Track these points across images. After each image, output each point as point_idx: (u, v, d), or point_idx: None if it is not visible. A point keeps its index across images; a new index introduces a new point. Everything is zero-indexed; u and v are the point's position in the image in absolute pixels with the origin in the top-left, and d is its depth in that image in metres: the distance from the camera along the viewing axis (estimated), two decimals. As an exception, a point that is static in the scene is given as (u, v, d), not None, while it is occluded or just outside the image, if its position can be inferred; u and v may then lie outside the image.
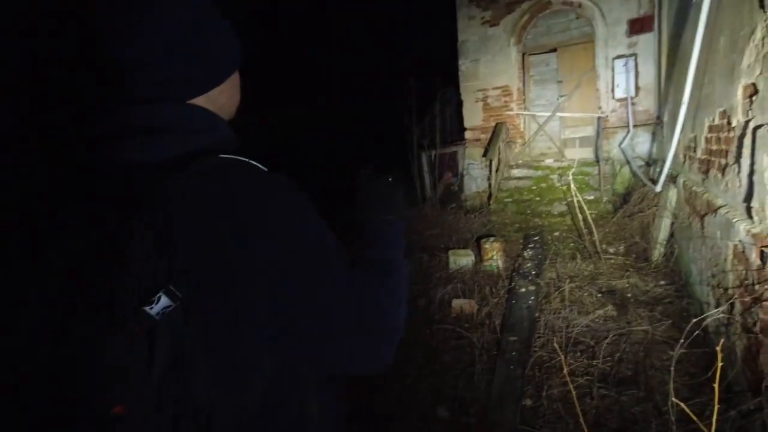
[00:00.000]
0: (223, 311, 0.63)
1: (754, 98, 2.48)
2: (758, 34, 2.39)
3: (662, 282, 4.50)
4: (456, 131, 10.01)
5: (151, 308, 0.58)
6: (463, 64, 8.95)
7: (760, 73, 2.37)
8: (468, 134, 9.09)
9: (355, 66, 13.02)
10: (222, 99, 0.82)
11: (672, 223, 4.89)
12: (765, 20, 2.28)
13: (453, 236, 6.62)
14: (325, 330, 0.68)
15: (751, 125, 2.49)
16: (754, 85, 2.48)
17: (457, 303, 4.28)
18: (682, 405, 1.59)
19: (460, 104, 9.23)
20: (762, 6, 2.25)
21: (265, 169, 0.73)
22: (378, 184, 1.02)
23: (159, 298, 0.58)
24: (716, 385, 1.58)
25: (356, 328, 0.71)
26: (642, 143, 7.55)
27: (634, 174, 7.24)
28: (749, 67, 2.56)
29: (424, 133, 9.52)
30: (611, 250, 5.55)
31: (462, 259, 5.34)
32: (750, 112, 2.54)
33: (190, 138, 0.73)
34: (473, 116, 9.00)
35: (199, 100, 0.77)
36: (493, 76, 8.73)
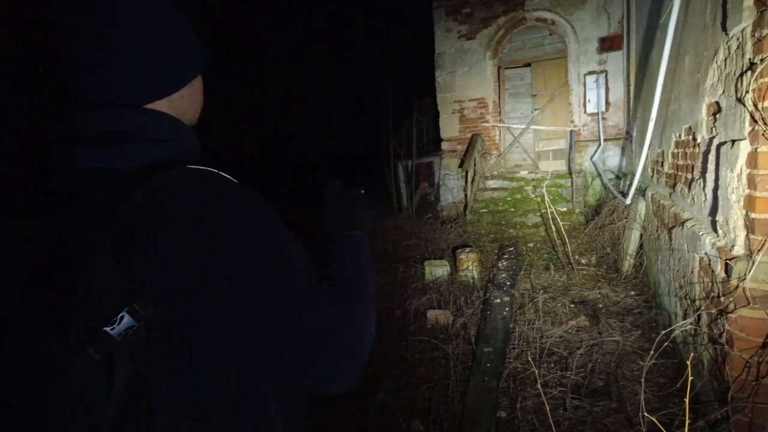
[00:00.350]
0: (188, 332, 0.60)
1: (717, 116, 2.57)
2: (720, 56, 2.49)
3: (632, 292, 4.60)
4: (432, 142, 10.11)
5: (113, 329, 0.54)
6: (440, 76, 9.06)
7: (723, 93, 2.46)
8: (444, 145, 9.18)
9: (332, 76, 13.04)
10: (183, 104, 0.79)
11: (641, 235, 5.02)
12: (727, 42, 2.37)
13: (429, 246, 6.64)
14: (292, 350, 0.66)
15: (715, 142, 2.58)
16: (717, 103, 2.58)
17: (432, 314, 4.27)
18: (654, 420, 1.60)
19: (436, 115, 9.33)
20: (724, 29, 2.35)
21: (235, 181, 0.70)
22: (346, 197, 1.00)
23: (122, 318, 0.55)
24: (687, 400, 1.60)
25: (323, 348, 0.69)
26: (612, 157, 7.77)
27: (605, 186, 7.43)
28: (712, 87, 2.65)
29: (401, 143, 9.57)
30: (583, 261, 5.66)
31: (438, 270, 5.35)
32: (714, 129, 2.63)
33: (152, 146, 0.69)
34: (450, 127, 9.10)
35: (160, 105, 0.74)
36: (469, 88, 8.86)
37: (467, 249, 5.50)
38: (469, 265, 5.27)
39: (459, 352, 3.57)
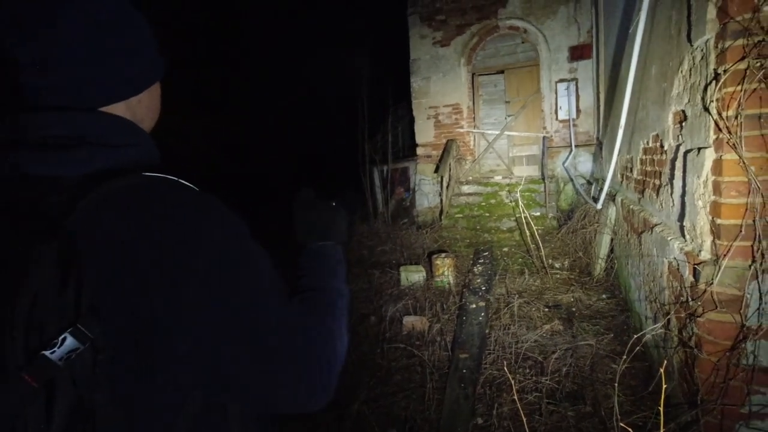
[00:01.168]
0: (144, 353, 0.55)
1: (683, 124, 2.64)
2: (685, 66, 2.56)
3: (604, 296, 4.69)
4: (408, 147, 10.14)
5: (53, 352, 0.49)
6: (415, 82, 9.11)
7: (688, 102, 2.53)
8: (420, 150, 9.22)
9: (308, 82, 12.96)
10: (142, 110, 0.74)
11: (612, 240, 5.14)
12: (691, 53, 2.44)
13: (405, 252, 6.62)
14: (262, 369, 0.61)
15: (682, 149, 2.64)
16: (683, 112, 2.65)
17: (408, 320, 4.25)
18: (626, 428, 1.61)
19: (412, 120, 9.37)
20: (689, 40, 2.41)
21: (195, 189, 0.66)
22: (318, 207, 0.97)
23: (64, 340, 0.49)
24: (661, 408, 1.62)
25: (293, 366, 0.65)
26: (583, 162, 7.95)
27: (576, 192, 7.59)
28: (678, 96, 2.73)
29: (377, 148, 9.56)
30: (557, 265, 5.74)
31: (413, 275, 5.34)
32: (680, 137, 2.70)
33: (106, 151, 0.64)
34: (425, 133, 9.15)
35: (118, 109, 0.69)
36: (444, 94, 8.94)
37: (443, 254, 5.50)
38: (445, 270, 5.27)
39: (435, 359, 3.55)
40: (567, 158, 8.02)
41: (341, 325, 0.79)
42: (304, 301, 0.78)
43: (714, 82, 2.09)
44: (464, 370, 3.30)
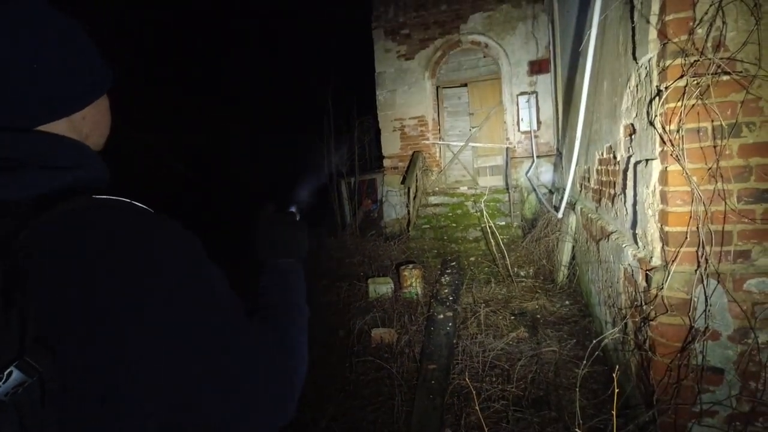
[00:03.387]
0: (94, 383, 0.53)
1: (633, 137, 2.78)
2: (633, 82, 2.70)
3: (567, 302, 4.82)
4: (375, 159, 10.20)
5: None
6: (381, 95, 9.21)
7: (636, 116, 2.67)
8: (386, 162, 9.30)
9: (273, 93, 12.88)
10: (86, 126, 0.71)
11: (573, 247, 5.30)
12: (637, 70, 2.58)
13: (373, 264, 6.62)
14: (221, 391, 0.61)
15: (632, 161, 2.78)
16: (632, 125, 2.79)
17: (376, 332, 4.24)
18: None
19: (378, 132, 9.44)
20: (634, 58, 2.55)
21: (150, 211, 0.64)
22: (280, 222, 0.96)
23: (9, 374, 0.47)
24: (614, 412, 1.67)
25: (256, 386, 0.64)
26: (545, 172, 8.20)
27: (539, 201, 7.80)
28: (627, 110, 2.87)
29: (343, 160, 9.57)
30: (522, 273, 5.87)
31: (381, 287, 5.34)
32: (630, 148, 2.84)
33: (49, 174, 0.61)
34: (391, 145, 9.24)
35: (58, 127, 0.66)
36: (409, 106, 9.07)
37: (410, 265, 5.54)
38: (413, 281, 5.30)
39: (404, 371, 3.55)
40: (530, 168, 8.26)
41: (302, 343, 0.79)
42: (264, 320, 0.77)
43: (657, 98, 2.22)
44: (432, 381, 3.31)
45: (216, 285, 0.66)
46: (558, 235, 5.80)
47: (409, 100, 9.07)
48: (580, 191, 5.15)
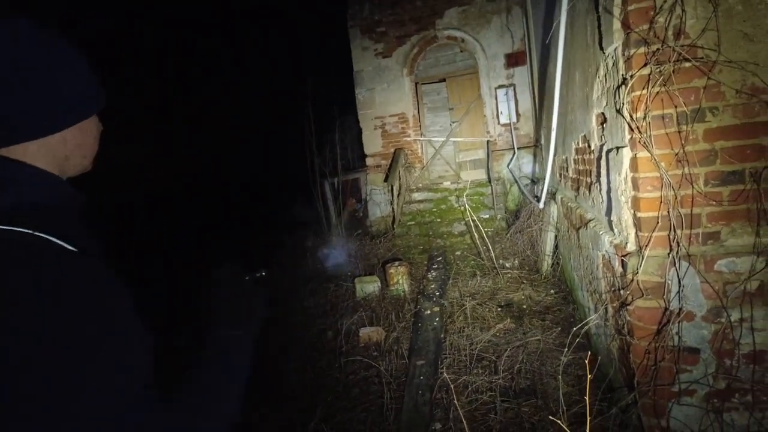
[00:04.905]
0: None
1: (604, 126, 2.83)
2: (601, 72, 2.74)
3: (552, 291, 4.88)
4: (358, 158, 10.18)
5: None
6: (360, 93, 9.21)
7: (606, 105, 2.71)
8: (369, 161, 9.30)
9: (253, 96, 12.77)
10: (66, 149, 0.70)
11: (556, 236, 5.37)
12: (605, 60, 2.62)
13: (360, 263, 6.63)
14: None
15: (605, 149, 2.83)
16: (603, 114, 2.83)
17: (364, 332, 4.25)
18: (559, 422, 1.69)
19: (360, 131, 9.44)
20: (601, 48, 2.60)
21: (66, 249, 0.61)
22: (237, 286, 0.90)
23: None
24: (587, 398, 1.71)
25: None
26: (526, 164, 8.28)
27: (522, 192, 7.88)
28: (598, 99, 2.92)
29: (326, 161, 9.54)
30: (507, 265, 5.92)
31: (368, 286, 5.35)
32: (603, 137, 2.89)
33: None
34: (373, 143, 9.24)
35: (29, 149, 0.65)
36: (389, 104, 9.08)
37: (396, 263, 5.56)
38: (399, 278, 5.32)
39: (393, 368, 3.57)
40: (511, 160, 8.33)
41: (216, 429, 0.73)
42: (184, 396, 0.71)
43: (623, 86, 2.26)
44: (421, 377, 3.33)
45: (118, 346, 0.60)
46: (541, 225, 5.87)
47: (389, 98, 9.08)
48: (560, 180, 5.22)
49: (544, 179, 5.03)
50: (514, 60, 8.31)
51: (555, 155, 4.94)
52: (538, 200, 5.72)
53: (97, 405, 0.56)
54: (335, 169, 9.49)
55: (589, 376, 1.76)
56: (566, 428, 2.03)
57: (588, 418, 1.77)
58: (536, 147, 7.88)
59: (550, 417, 2.07)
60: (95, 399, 0.56)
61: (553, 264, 5.39)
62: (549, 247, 5.47)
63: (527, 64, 7.98)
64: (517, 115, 8.40)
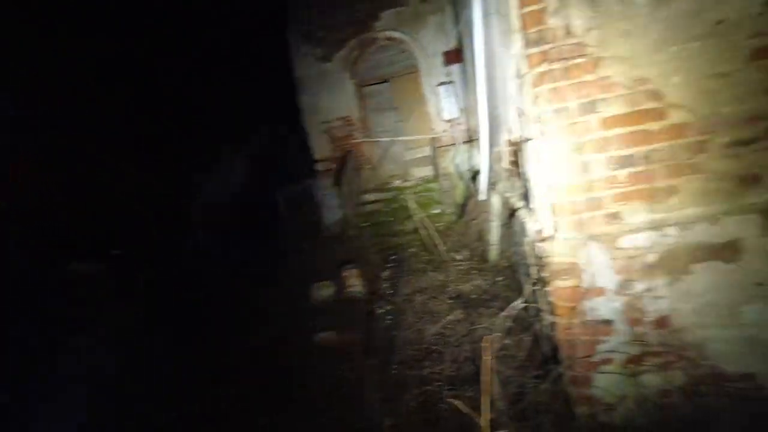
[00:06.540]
0: None
1: (521, 119, 3.00)
2: (513, 69, 2.90)
3: (499, 278, 5.07)
4: (309, 164, 10.15)
5: None
6: (305, 99, 9.19)
7: (520, 100, 2.88)
8: (319, 166, 9.30)
9: (197, 109, 12.46)
10: None
11: (500, 225, 5.58)
12: (514, 58, 2.78)
13: (316, 269, 6.64)
14: None
15: (523, 140, 2.99)
16: (519, 108, 3.00)
17: (322, 337, 4.30)
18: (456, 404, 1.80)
19: (307, 138, 9.41)
20: (509, 47, 2.76)
21: None
22: None
23: None
24: (488, 385, 1.83)
25: None
26: (471, 157, 8.53)
27: (467, 185, 8.11)
28: (513, 94, 3.09)
29: (277, 171, 9.49)
30: (458, 257, 6.10)
31: (324, 291, 5.39)
32: (521, 129, 3.06)
33: None
34: (322, 148, 9.25)
35: None
36: (334, 108, 9.10)
37: (350, 266, 5.62)
38: (354, 281, 5.39)
39: (350, 370, 3.64)
40: (455, 155, 8.55)
41: None
42: None
43: (525, 83, 2.42)
44: (374, 376, 3.42)
45: None
46: (486, 215, 6.08)
47: (333, 102, 9.10)
48: (499, 172, 5.43)
49: (483, 172, 5.24)
50: (452, 57, 8.51)
51: (491, 147, 5.12)
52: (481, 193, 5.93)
53: None
54: (287, 178, 9.46)
55: (487, 360, 1.88)
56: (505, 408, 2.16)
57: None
58: (477, 141, 8.13)
59: (482, 396, 2.20)
60: None
61: (500, 252, 5.60)
62: (494, 236, 5.68)
63: (464, 60, 8.21)
64: (459, 110, 8.63)
